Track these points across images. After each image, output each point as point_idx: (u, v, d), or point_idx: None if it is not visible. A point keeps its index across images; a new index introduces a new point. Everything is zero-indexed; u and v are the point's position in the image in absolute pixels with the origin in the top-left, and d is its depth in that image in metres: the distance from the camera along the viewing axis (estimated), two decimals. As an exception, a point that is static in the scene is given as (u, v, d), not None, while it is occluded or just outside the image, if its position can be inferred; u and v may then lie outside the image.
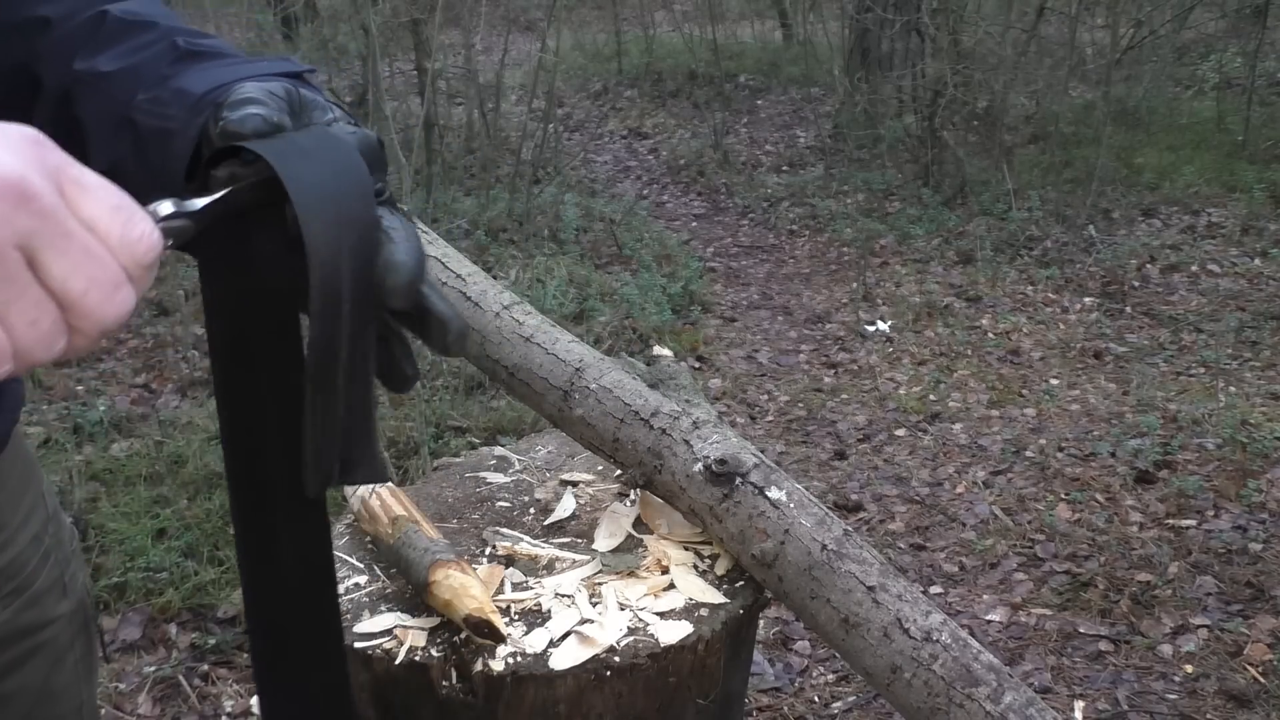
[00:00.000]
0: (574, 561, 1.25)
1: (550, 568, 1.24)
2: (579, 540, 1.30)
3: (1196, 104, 7.12)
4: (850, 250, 5.48)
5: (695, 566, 1.24)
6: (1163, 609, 2.61)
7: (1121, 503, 3.06)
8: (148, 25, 0.73)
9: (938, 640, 1.08)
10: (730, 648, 1.17)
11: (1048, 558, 2.85)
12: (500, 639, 1.07)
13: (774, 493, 1.17)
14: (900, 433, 3.63)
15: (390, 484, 1.32)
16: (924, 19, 6.29)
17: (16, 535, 0.88)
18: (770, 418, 3.83)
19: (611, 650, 1.09)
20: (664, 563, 1.23)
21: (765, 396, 4.01)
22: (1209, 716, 2.27)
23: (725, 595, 1.18)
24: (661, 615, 1.15)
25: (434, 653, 1.10)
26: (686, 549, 1.26)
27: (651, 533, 1.30)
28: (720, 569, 1.23)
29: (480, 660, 1.08)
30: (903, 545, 2.96)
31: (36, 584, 0.90)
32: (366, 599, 1.20)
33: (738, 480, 1.18)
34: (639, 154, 7.83)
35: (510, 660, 1.08)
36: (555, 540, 1.30)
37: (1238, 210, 5.36)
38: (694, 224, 6.30)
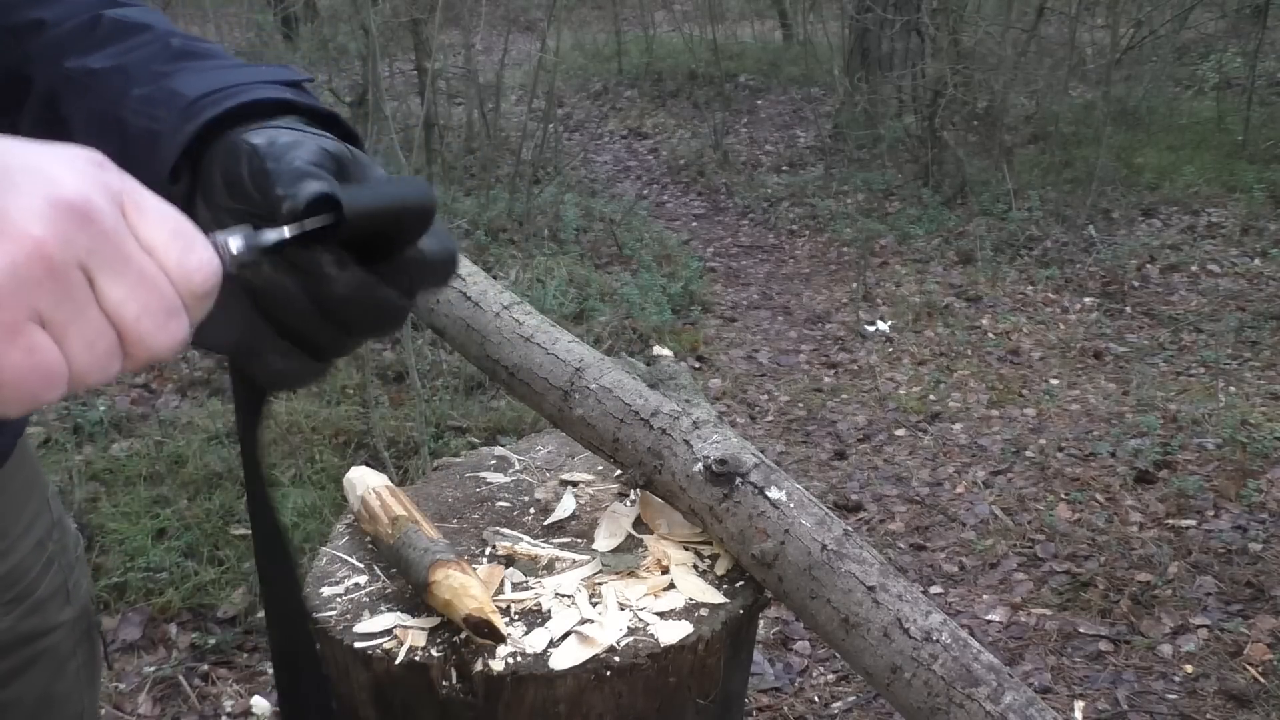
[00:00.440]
0: (574, 561, 1.25)
1: (550, 568, 1.24)
2: (579, 540, 1.30)
3: (1196, 104, 7.12)
4: (850, 250, 5.48)
5: (695, 566, 1.24)
6: (1163, 609, 2.61)
7: (1121, 503, 3.06)
8: (142, 28, 0.73)
9: (938, 640, 1.08)
10: (730, 648, 1.17)
11: (1048, 558, 2.85)
12: (500, 639, 1.07)
13: (774, 493, 1.17)
14: (900, 433, 3.63)
15: (390, 484, 1.32)
16: (924, 19, 6.29)
17: (19, 543, 0.88)
18: (770, 418, 3.83)
19: (611, 650, 1.09)
20: (664, 563, 1.23)
21: (765, 396, 4.01)
22: (1209, 716, 2.27)
23: (725, 595, 1.18)
24: (661, 615, 1.15)
25: (434, 653, 1.10)
26: (686, 549, 1.26)
27: (651, 533, 1.30)
28: (720, 569, 1.23)
29: (480, 660, 1.08)
30: (903, 545, 2.96)
31: (38, 591, 0.89)
32: (366, 599, 1.20)
33: (738, 480, 1.18)
34: (639, 154, 7.83)
35: (510, 660, 1.08)
36: (555, 540, 1.30)
37: (1238, 210, 5.36)
38: (694, 224, 6.30)
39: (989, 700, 1.05)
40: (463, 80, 7.05)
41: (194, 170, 0.66)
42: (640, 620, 1.14)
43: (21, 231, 0.42)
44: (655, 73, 9.22)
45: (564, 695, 1.08)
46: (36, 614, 0.89)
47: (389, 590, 1.21)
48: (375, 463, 3.12)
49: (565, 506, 1.37)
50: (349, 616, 1.16)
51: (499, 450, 1.57)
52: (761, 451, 1.23)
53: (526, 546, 1.28)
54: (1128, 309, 4.53)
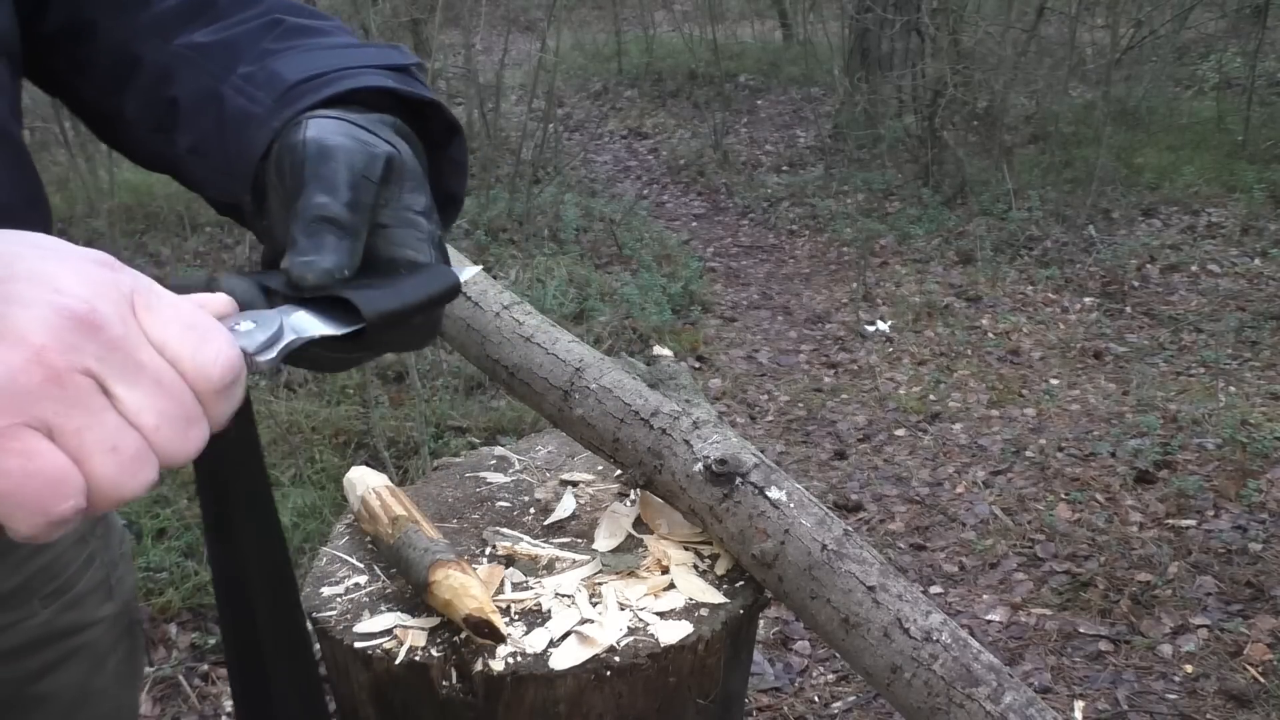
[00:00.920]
0: (574, 561, 1.25)
1: (550, 568, 1.24)
2: (579, 540, 1.30)
3: (1196, 104, 7.12)
4: (850, 250, 5.48)
5: (695, 566, 1.24)
6: (1163, 609, 2.61)
7: (1121, 503, 3.06)
8: (252, 1, 0.71)
9: (938, 640, 1.08)
10: (730, 648, 1.17)
11: (1048, 558, 2.85)
12: (500, 639, 1.07)
13: (774, 493, 1.17)
14: (900, 433, 3.63)
15: (390, 484, 1.32)
16: (924, 19, 6.29)
17: (60, 537, 0.88)
18: (770, 418, 3.83)
19: (611, 650, 1.09)
20: (664, 563, 1.23)
21: (765, 396, 4.01)
22: (1209, 716, 2.27)
23: (725, 595, 1.18)
24: (661, 615, 1.15)
25: (434, 653, 1.10)
26: (686, 549, 1.26)
27: (651, 533, 1.30)
28: (720, 569, 1.23)
29: (480, 660, 1.08)
30: (903, 545, 2.96)
31: (78, 586, 0.89)
32: (366, 599, 1.20)
33: (738, 480, 1.18)
34: (639, 154, 7.83)
35: (510, 660, 1.08)
36: (555, 540, 1.30)
37: (1238, 210, 5.36)
38: (694, 224, 6.30)
39: (989, 700, 1.05)
40: (463, 80, 7.05)
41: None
42: (640, 620, 1.14)
43: (20, 339, 0.41)
44: (655, 73, 9.23)
45: (564, 695, 1.08)
46: (75, 609, 0.88)
47: (389, 590, 1.21)
48: (375, 463, 3.12)
49: (565, 506, 1.37)
50: (349, 616, 1.16)
51: (499, 450, 1.57)
52: (761, 451, 1.23)
53: (526, 546, 1.28)
54: (1128, 309, 4.53)
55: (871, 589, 1.11)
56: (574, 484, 1.44)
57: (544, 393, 1.29)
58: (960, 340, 4.31)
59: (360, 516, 1.30)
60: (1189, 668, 2.42)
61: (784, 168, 7.15)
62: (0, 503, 0.41)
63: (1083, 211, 5.35)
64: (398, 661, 1.09)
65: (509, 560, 1.25)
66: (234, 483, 0.58)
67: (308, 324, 0.52)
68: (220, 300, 0.49)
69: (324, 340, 0.52)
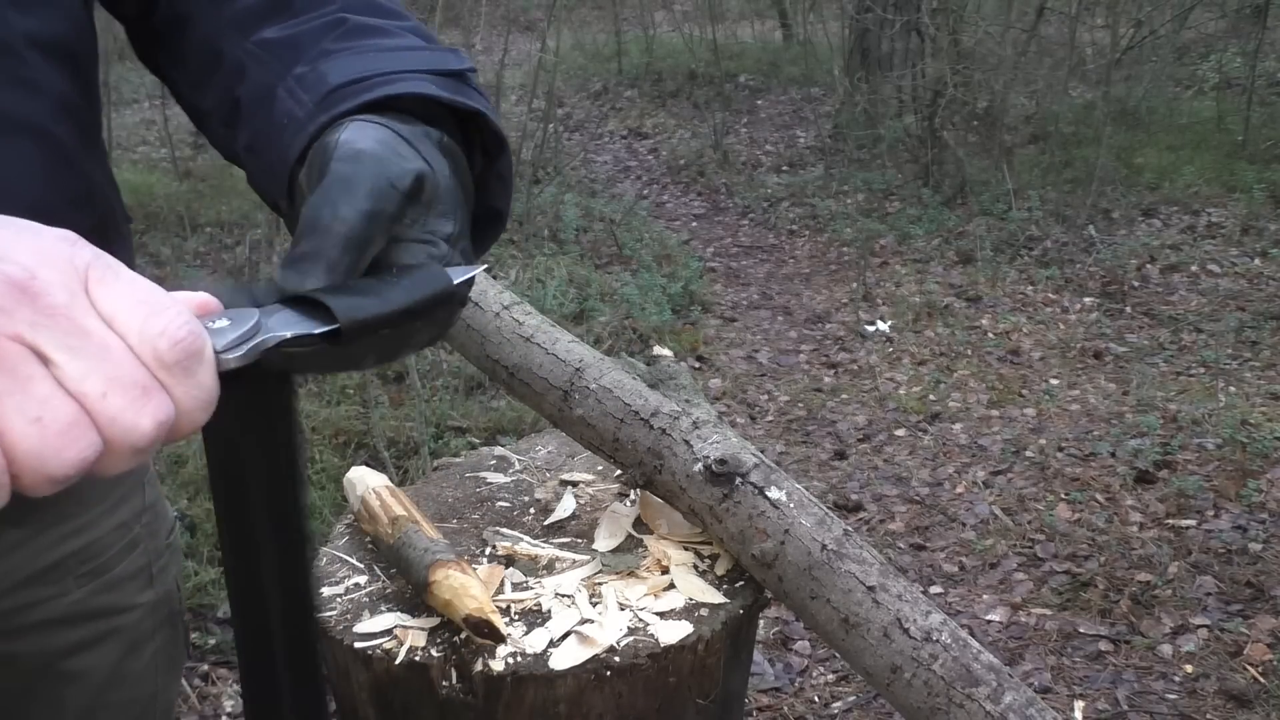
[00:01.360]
0: (574, 561, 1.25)
1: (550, 568, 1.24)
2: (579, 540, 1.30)
3: (1196, 104, 7.12)
4: (850, 250, 5.48)
5: (695, 566, 1.24)
6: (1163, 609, 2.61)
7: (1121, 503, 3.06)
8: None
9: (938, 640, 1.08)
10: (730, 648, 1.17)
11: (1048, 558, 2.85)
12: (500, 639, 1.07)
13: (774, 493, 1.17)
14: (900, 433, 3.63)
15: (390, 484, 1.32)
16: (924, 19, 6.29)
17: (101, 520, 0.88)
18: (770, 418, 3.83)
19: (611, 650, 1.09)
20: (664, 563, 1.23)
21: (765, 396, 4.01)
22: (1209, 716, 2.27)
23: (725, 595, 1.18)
24: (661, 615, 1.15)
25: (434, 653, 1.10)
26: (686, 549, 1.26)
27: (651, 533, 1.30)
28: (720, 569, 1.23)
29: (480, 660, 1.08)
30: (903, 545, 2.96)
31: (116, 569, 0.89)
32: (366, 599, 1.20)
33: (738, 480, 1.18)
34: (639, 154, 7.83)
35: (510, 660, 1.08)
36: (555, 540, 1.30)
37: (1238, 210, 5.36)
38: (694, 224, 6.30)
39: (989, 700, 1.05)
40: (463, 80, 7.04)
41: None
42: (640, 620, 1.14)
43: None
44: (655, 73, 9.23)
45: (564, 695, 1.08)
46: (112, 591, 0.88)
47: (389, 590, 1.21)
48: (375, 463, 3.12)
49: (565, 506, 1.37)
50: (349, 616, 1.16)
51: (499, 450, 1.57)
52: (761, 451, 1.23)
53: (526, 546, 1.28)
54: (1128, 309, 4.53)
55: (871, 589, 1.11)
56: (574, 484, 1.44)
57: (544, 393, 1.29)
58: (960, 340, 4.31)
59: (360, 516, 1.30)
60: (1189, 668, 2.42)
61: (784, 168, 7.15)
62: None
63: (1083, 211, 5.35)
64: (398, 662, 1.09)
65: (509, 560, 1.25)
66: (255, 486, 0.55)
67: (285, 323, 0.50)
68: (199, 297, 0.47)
69: (306, 341, 0.50)
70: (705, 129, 7.77)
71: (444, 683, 1.09)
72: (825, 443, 3.60)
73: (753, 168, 7.17)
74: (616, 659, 1.08)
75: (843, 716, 2.35)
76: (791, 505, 1.16)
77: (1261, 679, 2.36)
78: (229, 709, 2.38)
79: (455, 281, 0.56)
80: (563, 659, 1.08)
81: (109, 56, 5.65)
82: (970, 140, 6.33)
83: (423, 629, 1.13)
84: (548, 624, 1.13)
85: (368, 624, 1.15)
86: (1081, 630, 2.56)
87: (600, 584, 1.20)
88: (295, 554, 0.58)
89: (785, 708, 2.37)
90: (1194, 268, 4.86)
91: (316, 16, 0.68)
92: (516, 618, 1.15)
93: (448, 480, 1.48)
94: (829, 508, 1.21)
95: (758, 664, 2.44)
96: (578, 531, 1.32)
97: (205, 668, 2.50)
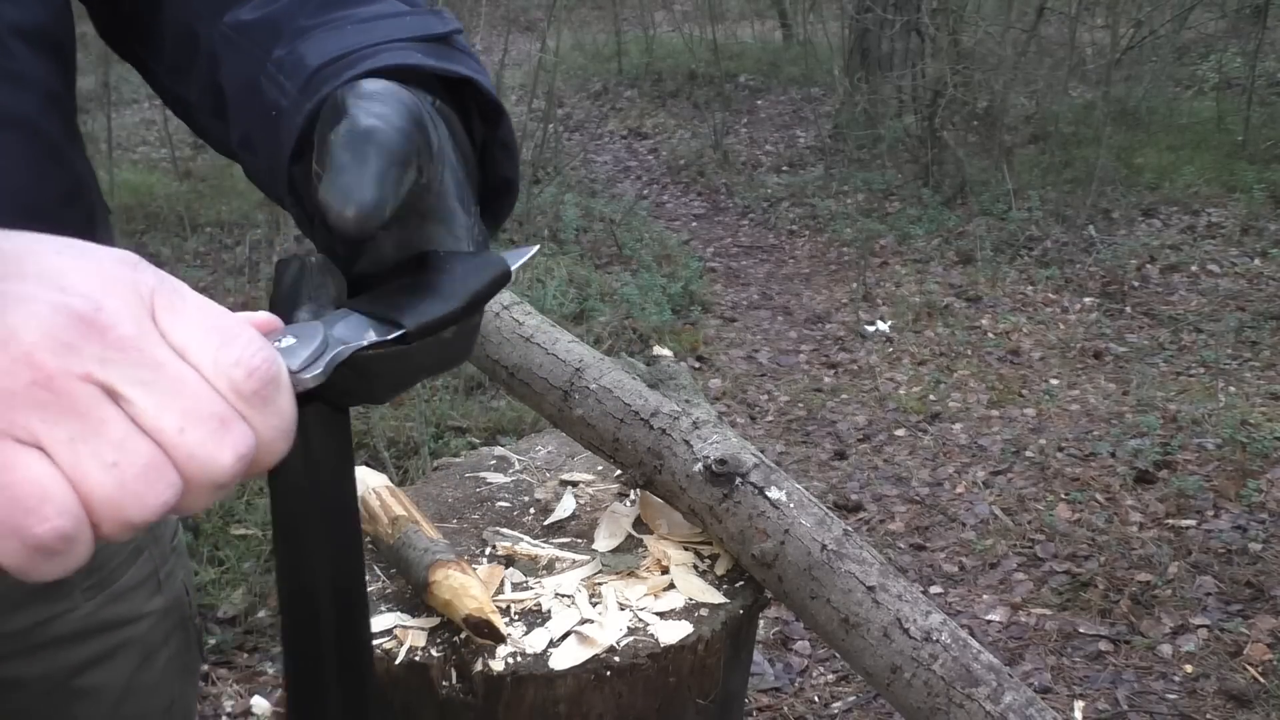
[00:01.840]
0: (574, 561, 1.25)
1: (550, 568, 1.24)
2: (579, 540, 1.30)
3: (1196, 104, 7.12)
4: (850, 250, 5.48)
5: (695, 566, 1.24)
6: (1163, 609, 2.61)
7: (1121, 503, 3.06)
8: None
9: (938, 640, 1.08)
10: (730, 648, 1.17)
11: (1048, 558, 2.85)
12: (500, 639, 1.07)
13: (774, 493, 1.17)
14: (900, 433, 3.63)
15: (390, 484, 1.32)
16: (924, 19, 6.29)
17: None
18: (770, 418, 3.83)
19: (611, 650, 1.09)
20: (664, 563, 1.23)
21: (765, 396, 4.01)
22: (1209, 716, 2.28)
23: (725, 595, 1.18)
24: (661, 615, 1.15)
25: (434, 653, 1.10)
26: (686, 549, 1.26)
27: (651, 533, 1.30)
28: (720, 569, 1.23)
29: (480, 660, 1.08)
30: (903, 545, 2.96)
31: (123, 579, 0.86)
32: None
33: (738, 480, 1.18)
34: (639, 154, 7.83)
35: (510, 660, 1.08)
36: (555, 540, 1.30)
37: (1238, 210, 5.36)
38: (694, 224, 6.30)
39: (989, 700, 1.05)
40: (463, 80, 7.04)
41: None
42: (640, 620, 1.14)
43: (8, 339, 0.37)
44: (655, 73, 9.22)
45: (564, 695, 1.08)
46: (120, 602, 0.86)
47: (389, 590, 1.21)
48: (375, 463, 3.12)
49: (565, 506, 1.37)
50: (349, 616, 1.16)
51: (499, 450, 1.57)
52: (761, 451, 1.23)
53: (526, 546, 1.28)
54: (1128, 309, 4.53)
55: (871, 589, 1.11)
56: (574, 484, 1.44)
57: (544, 393, 1.29)
58: (960, 340, 4.31)
59: (360, 517, 1.30)
60: (1189, 668, 2.42)
61: (784, 168, 7.15)
62: None
63: (1083, 211, 5.35)
64: (398, 661, 1.09)
65: (509, 560, 1.25)
66: (318, 518, 0.51)
67: (354, 330, 0.47)
68: (260, 316, 0.45)
69: (374, 351, 0.47)
70: (705, 129, 7.77)
71: (444, 683, 1.09)
72: (825, 443, 3.60)
73: (753, 168, 7.17)
74: (616, 659, 1.08)
75: (843, 716, 2.35)
76: (791, 505, 1.16)
77: (1261, 679, 2.36)
78: (229, 709, 2.38)
79: (513, 266, 0.53)
80: (563, 659, 1.08)
81: (109, 57, 5.65)
82: (970, 140, 6.33)
83: (423, 629, 1.13)
84: (548, 624, 1.13)
85: (368, 624, 1.15)
86: (1081, 630, 2.56)
87: (600, 584, 1.20)
88: (355, 593, 0.55)
89: (785, 708, 2.37)
90: (1194, 268, 4.86)
91: None
92: (516, 618, 1.15)
93: (448, 480, 1.48)
94: (829, 508, 1.21)
95: (758, 664, 2.44)
96: (578, 531, 1.32)
97: (205, 668, 2.50)
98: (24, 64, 0.66)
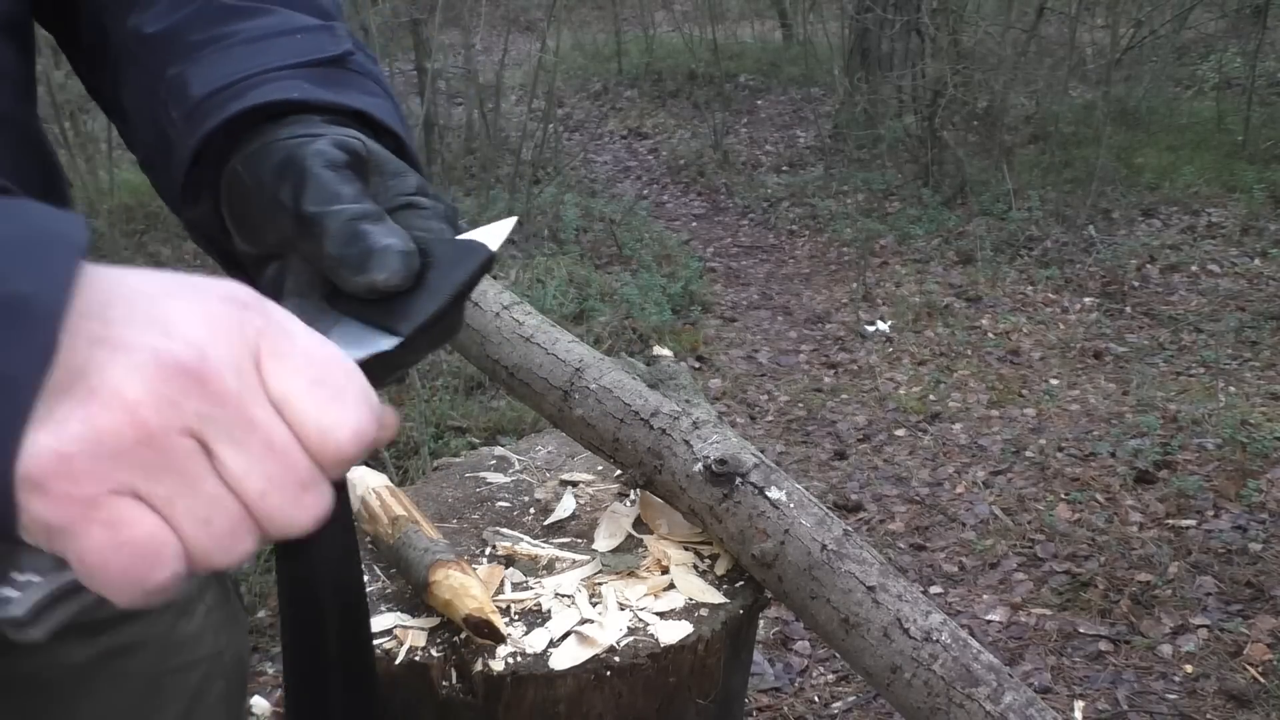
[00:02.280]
0: (574, 561, 1.25)
1: (550, 568, 1.24)
2: (579, 540, 1.30)
3: (1196, 104, 7.12)
4: (850, 250, 5.48)
5: (695, 566, 1.24)
6: (1163, 609, 2.61)
7: (1121, 503, 3.06)
8: None
9: (938, 640, 1.08)
10: (730, 648, 1.17)
11: (1048, 558, 2.85)
12: (500, 639, 1.07)
13: (774, 493, 1.17)
14: (900, 433, 3.63)
15: (390, 484, 1.32)
16: (924, 19, 6.29)
17: None
18: (770, 418, 3.83)
19: (611, 650, 1.09)
20: (664, 563, 1.23)
21: (765, 396, 4.01)
22: (1209, 716, 2.27)
23: (725, 595, 1.18)
24: (661, 615, 1.15)
25: (434, 653, 1.10)
26: (686, 549, 1.26)
27: (651, 533, 1.30)
28: (720, 569, 1.23)
29: (480, 660, 1.08)
30: (903, 545, 2.96)
31: None
32: (367, 599, 1.20)
33: (738, 480, 1.18)
34: (639, 154, 7.83)
35: (510, 660, 1.08)
36: (555, 540, 1.30)
37: (1238, 210, 5.36)
38: (694, 224, 6.30)
39: (989, 700, 1.05)
40: (463, 80, 7.05)
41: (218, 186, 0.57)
42: (640, 620, 1.14)
43: (113, 394, 0.37)
44: (655, 73, 9.22)
45: (564, 695, 1.08)
46: None
47: (389, 590, 1.21)
48: (375, 463, 3.12)
49: (565, 506, 1.37)
50: (349, 616, 1.16)
51: (499, 450, 1.57)
52: (761, 451, 1.23)
53: (526, 546, 1.28)
54: (1128, 309, 4.53)
55: (871, 589, 1.11)
56: (574, 484, 1.44)
57: (544, 393, 1.29)
58: (960, 340, 4.31)
59: (360, 517, 1.30)
60: (1189, 668, 2.42)
61: (784, 168, 7.15)
62: (91, 576, 0.38)
63: (1083, 211, 5.35)
64: (398, 661, 1.09)
65: (509, 560, 1.25)
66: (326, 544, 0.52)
67: (351, 340, 0.48)
68: None
69: (370, 358, 0.48)
70: (705, 129, 7.77)
71: (444, 683, 1.09)
72: (825, 443, 3.60)
73: (753, 168, 7.17)
74: (616, 659, 1.08)
75: (843, 716, 2.35)
76: (791, 505, 1.16)
77: (1261, 679, 2.36)
78: (229, 709, 2.38)
79: (494, 248, 0.53)
80: (563, 659, 1.08)
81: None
82: (970, 140, 6.33)
83: (423, 629, 1.13)
84: (548, 624, 1.13)
85: (368, 624, 1.15)
86: (1081, 630, 2.56)
87: (600, 584, 1.20)
88: (358, 615, 0.55)
89: (785, 708, 2.37)
90: (1194, 268, 4.86)
91: None
92: (516, 618, 1.15)
93: (448, 480, 1.48)
94: (829, 508, 1.21)
95: (758, 664, 2.44)
96: (578, 531, 1.32)
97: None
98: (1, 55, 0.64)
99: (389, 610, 1.17)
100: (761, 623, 2.51)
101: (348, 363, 0.43)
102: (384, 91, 0.62)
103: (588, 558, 1.25)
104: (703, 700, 1.15)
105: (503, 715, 1.09)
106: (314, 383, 0.40)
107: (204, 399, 0.38)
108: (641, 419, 1.24)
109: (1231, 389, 3.72)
